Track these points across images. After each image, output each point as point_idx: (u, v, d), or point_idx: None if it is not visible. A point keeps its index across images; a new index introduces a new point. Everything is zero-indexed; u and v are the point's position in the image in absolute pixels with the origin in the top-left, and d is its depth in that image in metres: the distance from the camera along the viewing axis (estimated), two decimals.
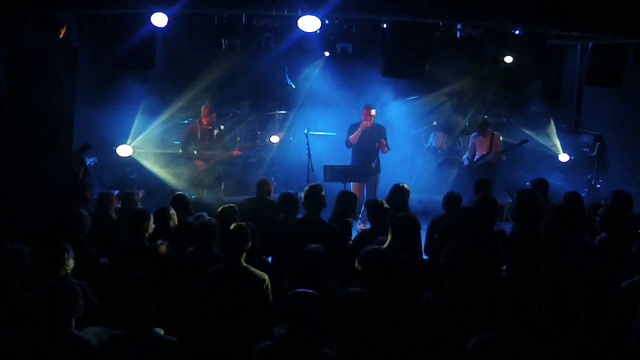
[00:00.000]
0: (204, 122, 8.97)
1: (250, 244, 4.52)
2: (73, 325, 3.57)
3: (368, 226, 8.15)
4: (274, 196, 6.83)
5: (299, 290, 3.58)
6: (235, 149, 9.52)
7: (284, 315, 3.51)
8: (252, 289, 4.32)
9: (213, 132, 9.03)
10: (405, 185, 6.72)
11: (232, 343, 4.13)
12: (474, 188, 7.17)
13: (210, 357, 4.25)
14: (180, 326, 4.11)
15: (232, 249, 4.46)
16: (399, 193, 6.59)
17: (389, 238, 4.78)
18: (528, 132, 10.74)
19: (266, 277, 4.42)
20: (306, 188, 5.77)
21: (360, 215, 8.52)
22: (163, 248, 4.77)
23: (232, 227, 4.59)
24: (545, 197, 6.87)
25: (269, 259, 5.50)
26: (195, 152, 8.99)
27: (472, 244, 4.56)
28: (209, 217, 5.49)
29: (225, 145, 9.23)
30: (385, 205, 5.90)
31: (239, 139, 10.88)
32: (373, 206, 5.90)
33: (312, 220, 5.59)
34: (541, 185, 6.96)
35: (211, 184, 9.11)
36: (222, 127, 9.29)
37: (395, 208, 6.02)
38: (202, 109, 9.08)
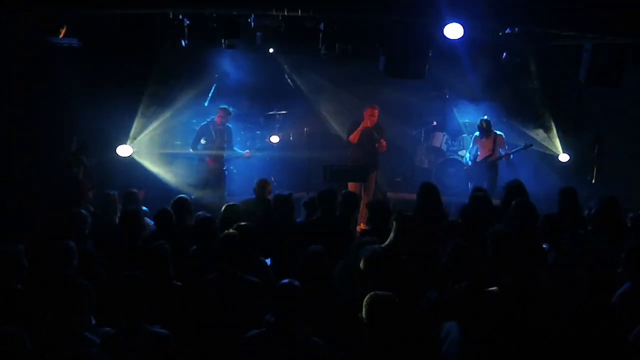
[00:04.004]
0: (217, 121, 9.14)
1: (242, 249, 4.50)
2: (77, 323, 3.58)
3: (368, 227, 8.16)
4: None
5: (286, 280, 3.75)
6: (247, 151, 9.60)
7: (274, 305, 3.64)
8: (244, 297, 4.30)
9: (224, 132, 9.20)
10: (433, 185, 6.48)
11: (225, 347, 4.11)
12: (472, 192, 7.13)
13: (206, 356, 4.26)
14: (180, 324, 4.11)
15: (222, 258, 4.43)
16: (430, 192, 6.29)
17: (391, 236, 4.77)
18: (528, 132, 10.74)
19: (258, 282, 4.40)
20: (320, 191, 6.03)
21: (359, 215, 8.51)
22: (162, 246, 4.75)
23: (222, 235, 4.57)
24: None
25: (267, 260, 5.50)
26: (203, 149, 9.10)
27: (475, 244, 4.54)
28: (207, 214, 5.50)
29: (232, 145, 9.41)
30: (388, 207, 5.91)
31: (238, 139, 10.88)
32: (376, 207, 5.89)
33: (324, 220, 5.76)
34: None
35: (214, 184, 9.15)
36: (230, 126, 9.43)
37: (427, 208, 5.93)
38: (218, 109, 9.29)
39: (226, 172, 9.36)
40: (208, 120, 9.33)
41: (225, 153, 9.24)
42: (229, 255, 4.39)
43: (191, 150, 9.34)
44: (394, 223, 4.85)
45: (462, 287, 3.65)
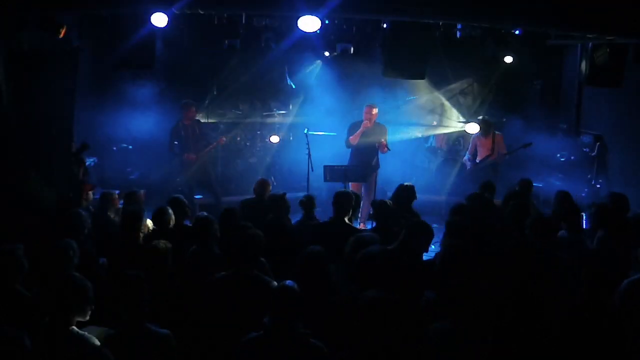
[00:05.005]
0: (185, 119, 9.10)
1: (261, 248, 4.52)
2: (74, 323, 3.58)
3: (368, 226, 8.19)
4: None
5: (283, 282, 3.73)
6: (221, 137, 9.53)
7: (271, 307, 3.61)
8: (260, 297, 4.29)
9: (195, 128, 9.17)
10: (410, 185, 6.69)
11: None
12: (479, 189, 7.15)
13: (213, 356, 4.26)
14: (180, 325, 4.11)
15: (245, 257, 4.41)
16: (404, 193, 6.57)
17: (400, 240, 4.78)
18: (528, 132, 10.74)
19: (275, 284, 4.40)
20: (337, 192, 6.09)
21: (359, 215, 8.52)
22: (162, 245, 4.75)
23: (246, 233, 4.57)
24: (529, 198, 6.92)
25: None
26: (180, 150, 9.10)
27: (468, 244, 4.55)
28: (206, 214, 5.50)
29: (206, 139, 9.35)
30: (392, 206, 5.92)
31: (239, 139, 10.89)
32: (380, 206, 5.91)
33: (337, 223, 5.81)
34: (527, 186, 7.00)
35: (205, 181, 9.14)
36: (199, 119, 9.40)
37: (400, 208, 6.02)
38: (181, 106, 9.21)
39: (212, 168, 9.33)
40: (176, 121, 9.25)
41: (203, 148, 9.18)
42: (250, 254, 4.39)
43: (170, 152, 9.29)
44: (405, 229, 4.84)
45: (456, 286, 3.65)
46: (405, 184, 6.73)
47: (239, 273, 4.38)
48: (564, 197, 6.37)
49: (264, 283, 4.34)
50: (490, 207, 6.49)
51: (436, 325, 3.65)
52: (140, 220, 5.42)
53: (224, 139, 9.48)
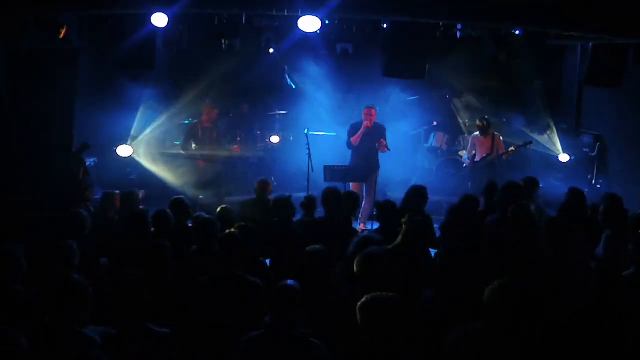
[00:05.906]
0: (205, 120, 9.08)
1: (243, 248, 4.51)
2: (74, 323, 3.58)
3: (368, 226, 8.19)
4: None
5: (285, 281, 3.74)
6: (234, 145, 9.55)
7: (272, 306, 3.63)
8: (245, 297, 4.29)
9: (213, 130, 9.16)
10: (422, 187, 6.63)
11: (225, 347, 4.11)
12: (482, 189, 7.14)
13: (206, 356, 4.26)
14: (179, 324, 4.11)
15: (222, 257, 4.43)
16: (416, 194, 6.52)
17: (400, 238, 4.77)
18: (528, 132, 10.76)
19: (259, 283, 4.40)
20: (325, 190, 6.08)
21: (359, 215, 8.52)
22: (162, 245, 4.75)
23: (221, 235, 4.57)
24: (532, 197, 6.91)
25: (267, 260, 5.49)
26: (194, 149, 9.06)
27: (467, 243, 4.55)
28: (207, 215, 5.50)
29: (222, 142, 9.36)
30: (396, 206, 5.91)
31: (239, 139, 10.88)
32: (384, 207, 5.88)
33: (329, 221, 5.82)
34: (531, 184, 7.00)
35: (210, 183, 9.14)
36: (217, 123, 9.41)
37: (412, 209, 5.99)
38: (203, 107, 9.20)
39: (223, 171, 9.33)
40: (195, 120, 9.28)
41: (217, 151, 9.17)
42: (228, 254, 4.39)
43: (182, 151, 9.29)
44: (404, 226, 4.84)
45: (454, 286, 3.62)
46: (417, 184, 6.69)
47: (222, 274, 4.38)
48: (572, 195, 6.34)
49: (248, 283, 4.34)
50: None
51: (465, 327, 3.61)
52: (147, 222, 5.42)
53: (237, 147, 9.53)
